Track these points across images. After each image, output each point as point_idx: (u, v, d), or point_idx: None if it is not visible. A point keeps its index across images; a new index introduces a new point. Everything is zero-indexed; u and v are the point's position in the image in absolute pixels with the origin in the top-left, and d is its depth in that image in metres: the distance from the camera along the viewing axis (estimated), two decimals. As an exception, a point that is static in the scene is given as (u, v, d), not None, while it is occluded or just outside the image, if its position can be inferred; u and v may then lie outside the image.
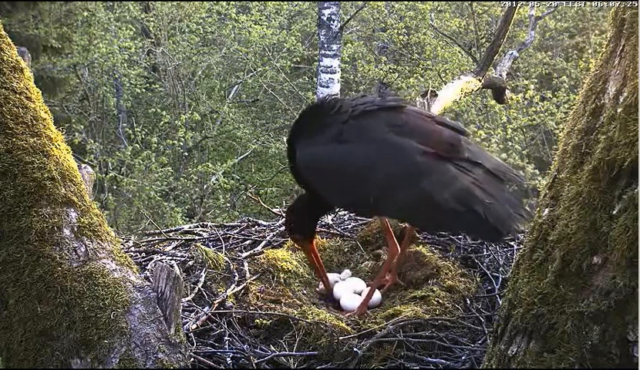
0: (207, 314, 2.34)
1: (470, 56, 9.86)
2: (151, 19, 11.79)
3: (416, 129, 2.31)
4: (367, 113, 2.35)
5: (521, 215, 2.16)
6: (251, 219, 3.36)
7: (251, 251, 2.91)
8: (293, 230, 2.65)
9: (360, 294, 2.65)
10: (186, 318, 2.29)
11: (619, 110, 1.48)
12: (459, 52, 10.51)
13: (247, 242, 3.05)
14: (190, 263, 2.71)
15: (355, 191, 2.31)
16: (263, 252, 2.87)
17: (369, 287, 2.62)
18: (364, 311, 2.51)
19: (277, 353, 2.20)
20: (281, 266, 2.74)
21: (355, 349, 2.17)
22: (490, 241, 2.17)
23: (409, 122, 2.34)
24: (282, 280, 2.70)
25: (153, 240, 3.11)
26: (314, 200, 2.56)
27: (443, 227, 2.48)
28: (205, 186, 10.04)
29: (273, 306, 2.46)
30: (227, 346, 2.22)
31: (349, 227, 3.21)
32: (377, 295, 2.64)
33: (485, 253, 2.88)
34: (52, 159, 1.91)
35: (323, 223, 3.24)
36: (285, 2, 12.24)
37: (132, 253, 2.87)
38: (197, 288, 2.51)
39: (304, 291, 2.71)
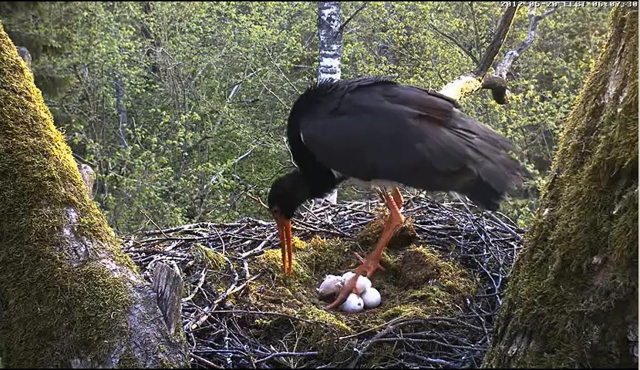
0: (207, 314, 2.34)
1: (470, 56, 9.87)
2: (151, 19, 11.79)
3: (410, 98, 2.40)
4: (362, 87, 2.46)
5: (517, 175, 2.20)
6: (251, 219, 3.36)
7: (251, 251, 2.91)
8: (276, 203, 2.63)
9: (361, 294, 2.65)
10: (186, 318, 2.29)
11: (619, 110, 1.48)
12: (459, 52, 10.51)
13: (247, 242, 3.05)
14: (190, 263, 2.71)
15: (354, 158, 2.39)
16: (263, 252, 2.87)
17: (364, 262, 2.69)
18: (354, 285, 2.58)
19: (277, 353, 2.19)
20: (281, 266, 2.74)
21: (355, 349, 2.17)
22: (487, 203, 2.19)
23: (403, 93, 2.44)
24: (282, 280, 2.70)
25: (153, 240, 3.10)
26: (308, 181, 2.61)
27: (439, 187, 2.54)
28: (205, 186, 10.04)
29: (273, 306, 2.46)
30: (227, 346, 2.22)
31: (349, 227, 3.22)
32: (377, 295, 2.64)
33: (485, 253, 2.88)
34: (52, 159, 1.91)
35: (323, 223, 3.25)
36: (285, 2, 12.24)
37: (132, 253, 2.87)
38: (197, 288, 2.51)
39: (304, 291, 2.71)
